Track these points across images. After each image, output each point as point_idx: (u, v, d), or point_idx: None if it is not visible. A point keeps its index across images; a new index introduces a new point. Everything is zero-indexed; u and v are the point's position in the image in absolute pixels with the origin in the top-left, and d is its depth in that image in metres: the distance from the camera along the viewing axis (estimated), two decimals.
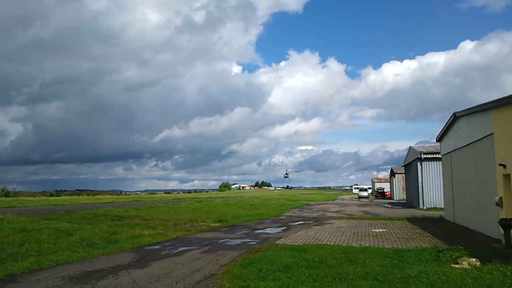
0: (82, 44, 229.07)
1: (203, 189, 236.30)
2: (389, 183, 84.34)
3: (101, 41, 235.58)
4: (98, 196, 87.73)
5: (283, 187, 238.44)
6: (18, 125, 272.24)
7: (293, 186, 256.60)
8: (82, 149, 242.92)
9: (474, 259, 10.25)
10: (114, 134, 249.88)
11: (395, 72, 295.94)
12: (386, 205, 46.72)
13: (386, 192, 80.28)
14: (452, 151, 22.45)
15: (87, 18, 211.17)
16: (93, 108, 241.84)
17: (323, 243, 14.50)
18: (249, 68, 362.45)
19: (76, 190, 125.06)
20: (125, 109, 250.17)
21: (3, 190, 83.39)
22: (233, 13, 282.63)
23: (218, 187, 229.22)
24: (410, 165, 46.28)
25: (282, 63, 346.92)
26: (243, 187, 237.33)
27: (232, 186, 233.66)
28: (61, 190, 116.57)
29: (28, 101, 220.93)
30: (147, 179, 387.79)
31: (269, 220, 25.45)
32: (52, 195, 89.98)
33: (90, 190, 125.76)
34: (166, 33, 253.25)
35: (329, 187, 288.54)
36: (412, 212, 32.88)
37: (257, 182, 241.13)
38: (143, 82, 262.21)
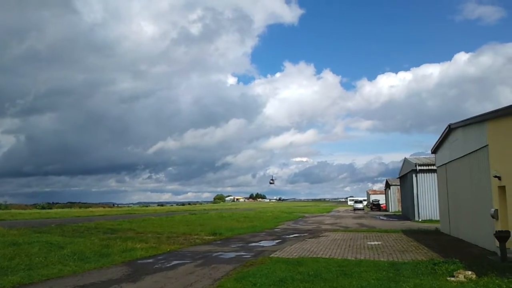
0: (77, 56, 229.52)
1: (197, 201, 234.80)
2: (384, 195, 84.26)
3: (97, 53, 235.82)
4: (90, 209, 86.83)
5: (276, 199, 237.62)
6: (11, 136, 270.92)
7: (286, 198, 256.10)
8: (75, 161, 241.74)
9: (470, 272, 10.17)
10: (108, 146, 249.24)
11: (390, 84, 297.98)
12: (381, 217, 46.62)
13: (382, 204, 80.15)
14: (447, 162, 22.47)
15: (83, 29, 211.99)
16: (87, 119, 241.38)
17: (318, 256, 14.37)
18: (244, 79, 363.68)
19: (68, 202, 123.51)
20: (120, 120, 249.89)
21: None
22: (229, 25, 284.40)
23: (212, 199, 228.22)
24: (405, 177, 46.31)
25: (278, 75, 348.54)
26: (237, 199, 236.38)
27: (226, 198, 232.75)
28: (53, 202, 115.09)
29: (22, 113, 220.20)
30: (140, 191, 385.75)
31: (264, 233, 25.26)
32: (43, 208, 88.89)
33: (83, 203, 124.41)
34: (162, 45, 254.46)
35: (324, 199, 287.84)
36: (407, 224, 32.80)
37: (252, 194, 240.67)
38: (138, 93, 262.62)
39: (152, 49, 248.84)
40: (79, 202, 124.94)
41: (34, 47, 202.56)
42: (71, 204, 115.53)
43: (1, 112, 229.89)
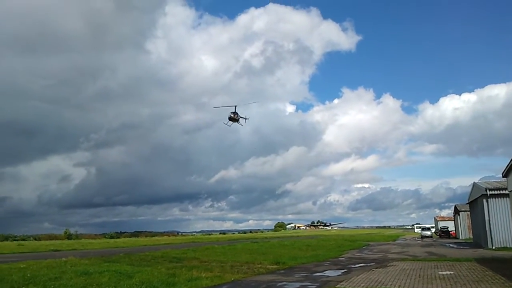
0: (144, 91, 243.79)
1: (258, 229, 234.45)
2: (453, 222, 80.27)
3: (161, 88, 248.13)
4: (156, 238, 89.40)
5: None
6: (82, 169, 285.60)
7: (343, 226, 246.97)
8: (141, 191, 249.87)
9: None
10: (172, 176, 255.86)
11: (454, 106, 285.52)
12: (451, 245, 44.29)
13: (451, 231, 76.34)
14: None
15: (149, 67, 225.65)
16: (153, 151, 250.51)
17: (387, 287, 13.82)
18: (303, 107, 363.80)
19: (135, 231, 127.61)
20: (183, 151, 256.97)
21: (66, 233, 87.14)
22: (290, 57, 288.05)
23: (273, 227, 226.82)
24: (475, 202, 43.92)
25: (336, 101, 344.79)
26: (298, 226, 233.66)
27: (287, 226, 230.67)
28: (120, 232, 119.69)
29: (92, 147, 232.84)
30: (203, 219, 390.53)
31: (328, 262, 24.68)
32: (112, 237, 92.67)
33: (148, 232, 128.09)
34: (222, 77, 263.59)
35: (389, 226, 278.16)
36: (480, 252, 30.92)
37: (313, 222, 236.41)
38: (200, 124, 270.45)
39: (212, 81, 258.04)
40: (145, 231, 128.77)
41: (107, 85, 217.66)
42: (137, 233, 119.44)
43: (74, 146, 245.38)
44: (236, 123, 53.22)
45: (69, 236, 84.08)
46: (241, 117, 53.24)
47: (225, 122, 53.54)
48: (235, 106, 52.95)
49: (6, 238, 74.24)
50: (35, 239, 79.40)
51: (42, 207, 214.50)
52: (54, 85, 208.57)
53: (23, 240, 73.87)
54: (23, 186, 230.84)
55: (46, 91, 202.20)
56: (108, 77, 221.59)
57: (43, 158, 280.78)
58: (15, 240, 71.29)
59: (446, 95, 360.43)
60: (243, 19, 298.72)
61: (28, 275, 15.43)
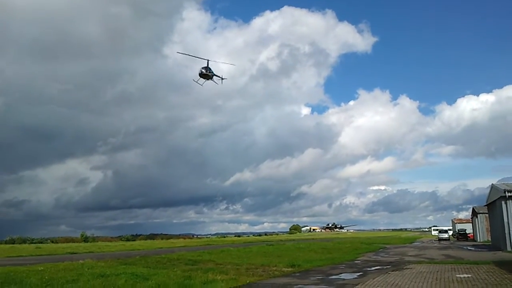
0: (160, 95, 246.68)
1: (273, 232, 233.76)
2: (471, 224, 79.17)
3: (177, 91, 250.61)
4: (172, 240, 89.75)
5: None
6: (99, 172, 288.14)
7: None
8: (157, 194, 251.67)
9: None
10: (187, 179, 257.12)
11: (472, 107, 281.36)
12: (469, 248, 43.68)
13: (469, 234, 75.25)
14: None
15: (165, 71, 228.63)
16: (169, 154, 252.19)
17: None
18: (318, 109, 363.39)
19: (151, 234, 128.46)
20: (199, 154, 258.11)
21: (83, 236, 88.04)
22: (306, 60, 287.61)
23: (288, 230, 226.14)
24: (494, 204, 43.24)
25: (351, 103, 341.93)
26: (313, 229, 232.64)
27: (302, 229, 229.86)
28: (136, 234, 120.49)
29: (109, 150, 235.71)
30: (218, 222, 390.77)
31: (344, 265, 24.52)
32: (128, 240, 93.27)
33: (164, 234, 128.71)
34: (238, 80, 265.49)
35: (406, 229, 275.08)
36: (499, 255, 30.40)
37: (328, 224, 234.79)
38: (215, 127, 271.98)
39: (228, 84, 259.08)
40: (161, 234, 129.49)
41: (125, 90, 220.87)
42: (153, 236, 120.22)
43: (92, 150, 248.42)
44: (209, 80, 47.49)
45: (85, 239, 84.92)
46: (215, 75, 47.77)
47: (195, 80, 47.80)
48: (208, 60, 47.35)
49: (24, 241, 75.16)
50: (53, 242, 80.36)
51: (59, 210, 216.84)
52: (72, 90, 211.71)
53: (41, 242, 74.73)
54: (41, 190, 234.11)
55: (64, 96, 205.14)
56: (126, 82, 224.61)
57: (61, 161, 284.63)
58: (33, 243, 72.13)
59: (463, 96, 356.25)
60: (258, 22, 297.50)
61: (46, 277, 15.65)
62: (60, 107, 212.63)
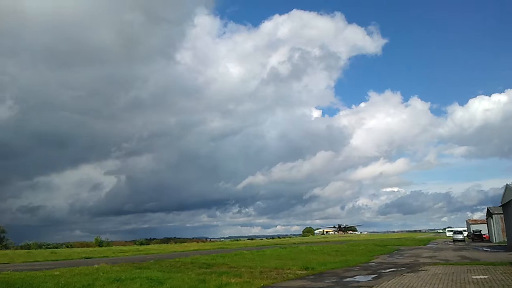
0: (171, 100, 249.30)
1: (286, 235, 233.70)
2: (486, 225, 78.26)
3: (188, 96, 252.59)
4: (185, 244, 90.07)
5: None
6: (112, 177, 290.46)
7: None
8: (170, 198, 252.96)
9: None
10: (200, 183, 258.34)
11: (484, 107, 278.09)
12: (485, 249, 43.18)
13: (484, 235, 74.41)
14: None
15: (176, 76, 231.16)
16: (181, 158, 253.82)
17: None
18: (329, 112, 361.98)
19: (164, 238, 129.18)
20: (210, 158, 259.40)
21: (97, 240, 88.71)
22: (316, 63, 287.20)
23: (301, 232, 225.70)
24: (509, 205, 42.77)
25: (362, 105, 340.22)
26: (326, 231, 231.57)
27: (315, 231, 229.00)
28: (150, 238, 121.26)
29: (123, 155, 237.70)
30: (231, 225, 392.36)
31: (358, 267, 24.39)
32: (142, 244, 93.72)
33: (177, 238, 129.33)
34: (249, 84, 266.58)
35: (420, 231, 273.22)
36: None
37: (339, 225, 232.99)
38: (227, 131, 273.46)
39: (239, 88, 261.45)
40: (174, 237, 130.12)
41: (137, 96, 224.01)
42: (167, 240, 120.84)
43: (105, 155, 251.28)
44: None
45: (100, 244, 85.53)
46: None
47: None
48: None
49: (40, 246, 75.95)
50: (67, 247, 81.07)
51: (74, 215, 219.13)
52: (85, 96, 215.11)
53: (56, 248, 75.47)
54: (55, 195, 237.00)
55: (77, 102, 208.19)
56: (138, 88, 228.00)
57: (75, 167, 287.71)
58: (48, 248, 72.87)
59: (475, 96, 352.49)
60: (267, 26, 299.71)
61: (62, 282, 15.78)
62: (73, 113, 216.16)
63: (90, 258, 36.32)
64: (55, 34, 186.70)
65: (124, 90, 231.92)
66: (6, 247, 74.79)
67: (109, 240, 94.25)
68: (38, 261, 33.44)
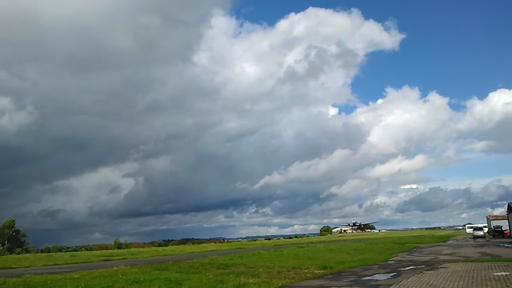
0: (188, 102, 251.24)
1: (304, 234, 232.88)
2: (507, 220, 77.01)
3: (205, 97, 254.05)
4: (203, 245, 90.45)
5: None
6: (131, 179, 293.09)
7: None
8: (187, 199, 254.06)
9: None
10: (217, 183, 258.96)
11: (504, 101, 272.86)
12: (506, 245, 42.45)
13: (505, 231, 73.18)
14: None
15: (193, 78, 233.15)
16: (198, 159, 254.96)
17: None
18: (346, 109, 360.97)
19: (182, 239, 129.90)
20: (227, 158, 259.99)
21: (116, 242, 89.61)
22: (333, 60, 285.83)
23: (319, 231, 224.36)
24: None
25: (380, 101, 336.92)
26: (344, 230, 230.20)
27: (333, 230, 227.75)
28: (168, 239, 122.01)
29: (141, 157, 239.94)
30: (248, 225, 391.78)
31: (377, 266, 24.18)
32: (160, 245, 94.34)
33: (195, 239, 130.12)
34: (264, 84, 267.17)
35: (439, 227, 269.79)
36: None
37: (355, 223, 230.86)
38: (243, 131, 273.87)
39: (255, 88, 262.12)
40: (192, 238, 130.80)
41: (155, 98, 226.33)
42: (185, 241, 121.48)
43: (123, 158, 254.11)
44: None
45: (119, 246, 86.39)
46: None
47: None
48: None
49: (60, 249, 76.81)
50: (87, 250, 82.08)
51: (93, 218, 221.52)
52: (104, 100, 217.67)
53: (75, 250, 76.45)
54: (75, 198, 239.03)
55: (96, 106, 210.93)
56: (156, 90, 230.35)
57: (94, 170, 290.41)
58: (68, 251, 73.72)
59: (495, 90, 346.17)
60: (283, 24, 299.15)
61: (82, 285, 15.97)
62: (92, 117, 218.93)
63: (109, 260, 36.70)
64: (74, 39, 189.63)
65: (142, 93, 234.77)
66: (27, 251, 75.87)
67: (128, 242, 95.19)
68: (58, 264, 33.90)
